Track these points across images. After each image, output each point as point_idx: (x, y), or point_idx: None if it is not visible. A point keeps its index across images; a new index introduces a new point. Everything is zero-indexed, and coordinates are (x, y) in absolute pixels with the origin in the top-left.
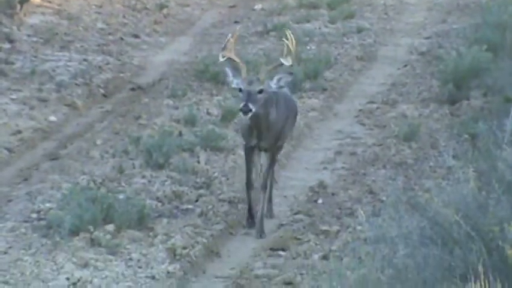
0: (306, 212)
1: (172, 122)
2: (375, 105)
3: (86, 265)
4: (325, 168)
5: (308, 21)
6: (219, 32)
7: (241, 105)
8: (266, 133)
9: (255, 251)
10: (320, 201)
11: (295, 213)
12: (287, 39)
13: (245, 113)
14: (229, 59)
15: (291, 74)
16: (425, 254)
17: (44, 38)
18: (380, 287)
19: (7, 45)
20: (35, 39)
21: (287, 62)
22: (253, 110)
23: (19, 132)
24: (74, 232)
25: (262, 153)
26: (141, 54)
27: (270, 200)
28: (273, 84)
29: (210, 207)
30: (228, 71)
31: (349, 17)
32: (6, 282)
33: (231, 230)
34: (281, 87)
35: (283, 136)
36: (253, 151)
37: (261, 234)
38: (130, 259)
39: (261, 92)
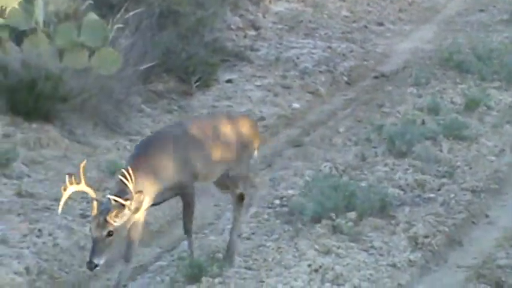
0: None
1: (415, 110)
2: None
3: (327, 252)
4: None
5: None
6: (464, 20)
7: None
8: None
9: (497, 241)
10: None
11: None
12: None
13: (90, 269)
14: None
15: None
16: None
17: (289, 26)
18: None
19: (253, 32)
20: (279, 26)
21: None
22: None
23: (263, 118)
24: (316, 219)
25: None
26: (385, 42)
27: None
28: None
29: (452, 196)
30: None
31: None
32: (249, 268)
33: (474, 219)
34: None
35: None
36: None
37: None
38: (372, 247)
39: (110, 234)
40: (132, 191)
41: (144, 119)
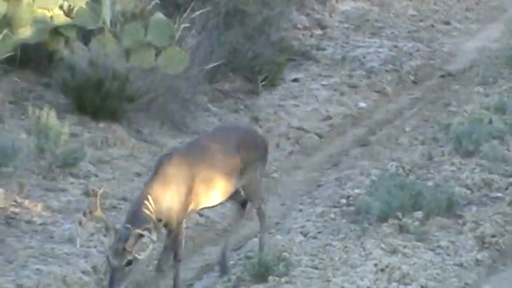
0: None
1: (482, 110)
2: None
3: (394, 252)
4: None
5: None
6: None
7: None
8: None
9: None
10: None
11: None
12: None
13: None
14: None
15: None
16: None
17: (355, 25)
18: None
19: (319, 32)
20: (346, 25)
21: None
22: None
23: (329, 117)
24: (383, 218)
25: None
26: (452, 41)
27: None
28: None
29: None
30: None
31: None
32: (315, 267)
33: None
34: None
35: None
36: None
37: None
38: (439, 246)
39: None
40: (154, 219)
41: (210, 118)
